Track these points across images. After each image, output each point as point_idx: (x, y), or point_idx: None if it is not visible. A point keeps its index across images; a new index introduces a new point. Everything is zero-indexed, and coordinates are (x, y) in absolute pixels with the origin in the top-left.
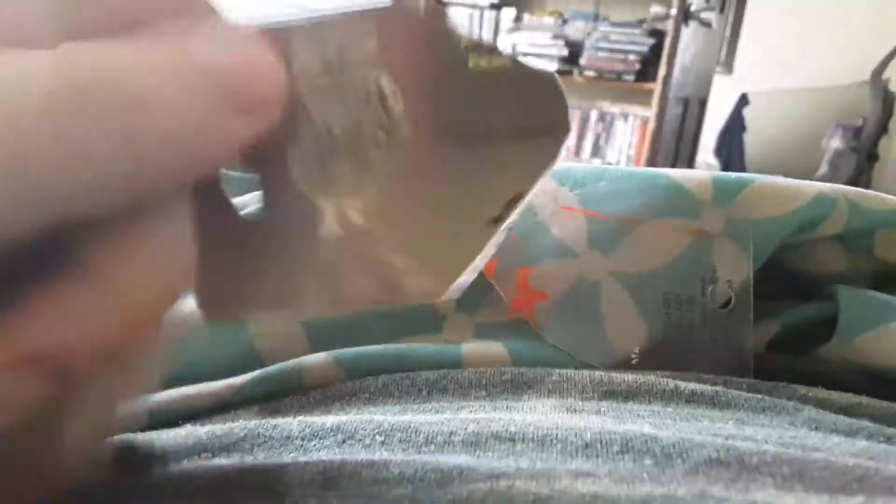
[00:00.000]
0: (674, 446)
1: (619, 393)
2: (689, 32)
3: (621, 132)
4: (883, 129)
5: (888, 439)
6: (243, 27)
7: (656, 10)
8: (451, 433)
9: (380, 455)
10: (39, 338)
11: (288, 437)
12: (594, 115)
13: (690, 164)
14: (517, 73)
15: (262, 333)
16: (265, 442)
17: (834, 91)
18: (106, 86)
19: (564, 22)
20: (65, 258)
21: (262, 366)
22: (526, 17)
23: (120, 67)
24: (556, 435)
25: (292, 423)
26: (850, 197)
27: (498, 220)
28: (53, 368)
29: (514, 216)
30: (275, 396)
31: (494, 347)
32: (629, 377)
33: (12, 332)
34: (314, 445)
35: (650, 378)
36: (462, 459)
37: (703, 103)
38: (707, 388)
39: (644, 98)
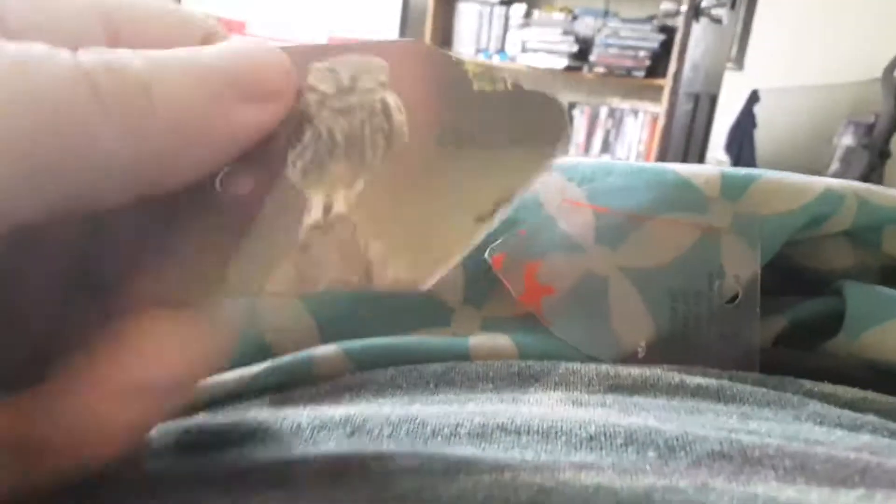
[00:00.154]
0: (677, 439)
1: (624, 386)
2: (699, 28)
3: (631, 129)
4: (895, 126)
5: (892, 434)
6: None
7: (666, 6)
8: (457, 425)
9: (387, 447)
10: (36, 424)
11: (297, 429)
12: (604, 111)
13: (700, 160)
14: (519, 95)
15: (272, 328)
16: (275, 433)
17: (845, 88)
18: (116, 76)
19: (574, 18)
20: (65, 355)
21: (273, 358)
22: (536, 13)
23: (130, 61)
24: (561, 427)
25: (302, 415)
26: (858, 193)
27: (483, 220)
28: (48, 452)
29: (499, 216)
30: (285, 387)
31: (502, 340)
32: (635, 371)
33: (9, 417)
34: (323, 437)
35: (656, 372)
36: (468, 451)
37: (713, 100)
38: (712, 381)
39: (654, 94)
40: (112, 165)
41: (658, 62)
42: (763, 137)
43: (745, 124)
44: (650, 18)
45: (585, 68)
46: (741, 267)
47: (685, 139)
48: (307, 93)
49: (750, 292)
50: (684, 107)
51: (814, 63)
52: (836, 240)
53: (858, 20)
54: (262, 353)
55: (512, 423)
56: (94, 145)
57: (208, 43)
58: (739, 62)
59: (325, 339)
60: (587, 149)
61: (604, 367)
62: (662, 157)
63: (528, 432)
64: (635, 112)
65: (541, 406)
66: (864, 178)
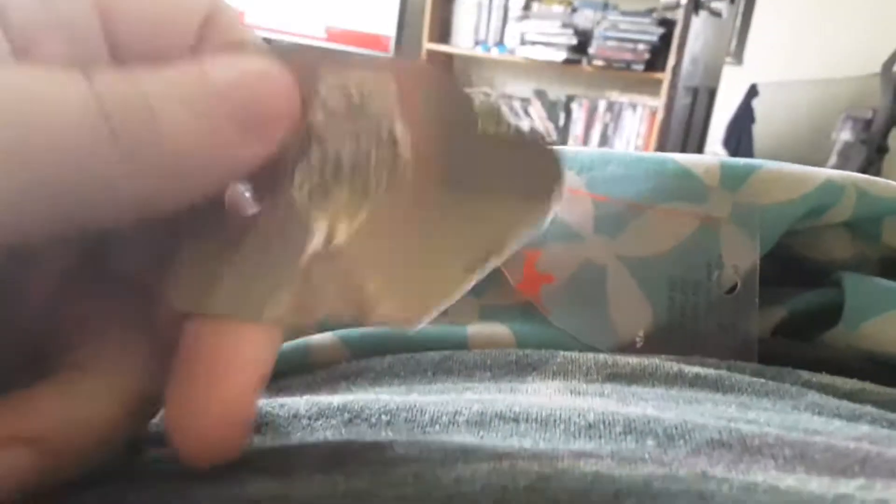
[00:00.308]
0: (676, 428)
1: (623, 376)
2: (699, 22)
3: (630, 122)
4: (893, 121)
5: (891, 424)
6: (266, 49)
7: None
8: (455, 413)
9: (385, 435)
10: (34, 420)
11: (295, 416)
12: (602, 104)
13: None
14: (521, 143)
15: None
16: (273, 421)
17: (844, 82)
18: (128, 105)
19: (573, 10)
20: (64, 354)
21: None
22: (535, 5)
23: (142, 90)
24: (560, 415)
25: (299, 402)
26: (858, 184)
27: (472, 270)
28: (38, 444)
29: (488, 267)
30: (281, 375)
31: (500, 329)
32: (633, 360)
33: (7, 417)
34: (321, 424)
35: (654, 361)
36: (466, 439)
37: (712, 94)
38: (711, 371)
39: (653, 88)
40: (115, 190)
41: (657, 55)
42: (761, 132)
43: (743, 118)
44: (649, 11)
45: (584, 61)
46: (740, 257)
47: (684, 133)
48: (317, 108)
49: (748, 282)
50: (683, 101)
51: (813, 58)
52: (835, 230)
53: (857, 15)
54: None
55: (510, 411)
56: (100, 170)
57: (210, 24)
58: (739, 56)
59: (323, 327)
60: (585, 142)
61: (602, 357)
62: (660, 150)
63: (527, 420)
64: (634, 105)
65: (539, 395)
66: (862, 173)
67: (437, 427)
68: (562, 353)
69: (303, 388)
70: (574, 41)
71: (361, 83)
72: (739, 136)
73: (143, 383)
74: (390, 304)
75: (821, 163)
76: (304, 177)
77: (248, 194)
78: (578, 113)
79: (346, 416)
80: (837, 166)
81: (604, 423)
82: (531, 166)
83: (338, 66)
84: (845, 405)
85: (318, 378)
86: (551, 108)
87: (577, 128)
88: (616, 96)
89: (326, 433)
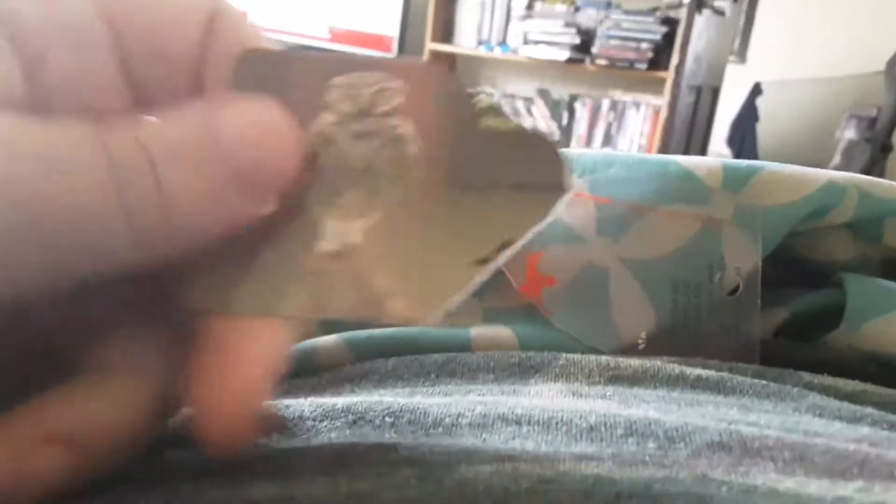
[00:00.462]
0: (677, 430)
1: (625, 378)
2: (702, 20)
3: (633, 121)
4: None
5: (891, 426)
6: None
7: None
8: (458, 415)
9: (389, 437)
10: (66, 420)
11: (300, 418)
12: (606, 103)
13: (702, 153)
14: (522, 138)
15: None
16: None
17: (848, 81)
18: (136, 166)
19: (576, 10)
20: (84, 355)
21: None
22: (538, 4)
23: (145, 146)
24: (562, 417)
25: (304, 404)
26: (860, 185)
27: (484, 262)
28: (70, 444)
29: (500, 261)
30: (287, 377)
31: (502, 331)
32: (635, 362)
33: (39, 417)
34: (325, 426)
35: (656, 363)
36: (469, 441)
37: (715, 92)
38: (712, 373)
39: (656, 87)
40: (114, 245)
41: (660, 54)
42: (765, 130)
43: (747, 117)
44: (653, 10)
45: (587, 60)
46: (742, 259)
47: (687, 132)
48: (326, 111)
49: (750, 284)
50: (686, 99)
51: (816, 56)
52: (837, 232)
53: (861, 13)
54: None
55: (513, 413)
56: (102, 228)
57: (214, 23)
58: (742, 55)
59: (327, 329)
60: (589, 141)
61: (604, 359)
62: (664, 150)
63: (529, 422)
64: (637, 104)
65: (541, 397)
66: (866, 171)
67: (441, 429)
68: (564, 355)
69: (307, 389)
70: (577, 40)
71: (368, 84)
72: (743, 135)
73: (164, 384)
74: (404, 301)
75: (825, 161)
76: (314, 179)
77: None
78: (582, 112)
79: (350, 417)
80: (841, 165)
81: (605, 425)
82: (535, 159)
83: (345, 68)
84: (846, 407)
85: (323, 380)
86: (554, 108)
87: (580, 127)
88: (619, 95)
89: (331, 435)
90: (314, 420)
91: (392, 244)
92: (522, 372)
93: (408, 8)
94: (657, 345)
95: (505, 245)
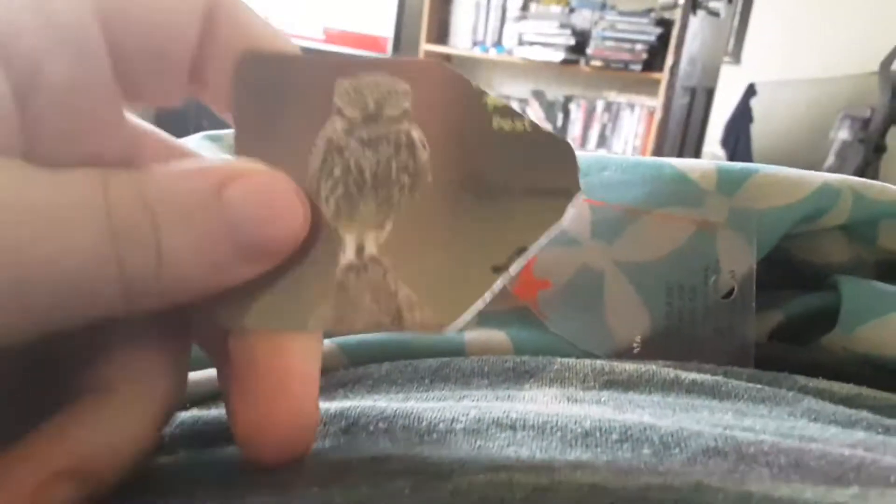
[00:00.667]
0: (672, 435)
1: (619, 382)
2: (696, 22)
3: (627, 122)
4: (891, 120)
5: (886, 430)
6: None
7: None
8: (453, 420)
9: (382, 443)
10: (75, 452)
11: None
12: (600, 104)
13: (697, 154)
14: (535, 137)
15: None
16: None
17: (842, 82)
18: (132, 227)
19: (571, 11)
20: (86, 373)
21: None
22: (533, 5)
23: (149, 206)
24: (556, 423)
25: None
26: (854, 187)
27: (500, 269)
28: (81, 476)
29: (515, 267)
30: None
31: (497, 336)
32: (630, 367)
33: (48, 453)
34: (319, 432)
35: (651, 368)
36: (463, 449)
37: (710, 93)
38: (707, 377)
39: (651, 88)
40: (104, 300)
41: (655, 56)
42: (759, 131)
43: (741, 118)
44: (647, 11)
45: (582, 61)
46: (737, 262)
47: (682, 133)
48: (335, 117)
49: (745, 287)
50: (681, 100)
51: (810, 57)
52: (832, 234)
53: (855, 14)
54: None
55: (507, 418)
56: (95, 286)
57: (212, 17)
58: (736, 56)
59: (323, 334)
60: (583, 143)
61: (599, 363)
62: (659, 151)
63: (524, 428)
64: (632, 106)
65: (536, 402)
66: (860, 172)
67: (435, 435)
68: (559, 359)
69: None
70: (572, 41)
71: (375, 88)
72: (738, 136)
73: (170, 397)
74: (425, 311)
75: (818, 162)
76: (329, 190)
77: None
78: (576, 113)
79: (344, 423)
80: (835, 166)
81: (600, 430)
82: (547, 161)
83: (351, 71)
84: (841, 411)
85: None
86: (549, 109)
87: (575, 128)
88: (614, 96)
89: (325, 441)
90: None
91: (409, 254)
92: (517, 377)
93: (402, 9)
94: (652, 348)
95: (520, 251)
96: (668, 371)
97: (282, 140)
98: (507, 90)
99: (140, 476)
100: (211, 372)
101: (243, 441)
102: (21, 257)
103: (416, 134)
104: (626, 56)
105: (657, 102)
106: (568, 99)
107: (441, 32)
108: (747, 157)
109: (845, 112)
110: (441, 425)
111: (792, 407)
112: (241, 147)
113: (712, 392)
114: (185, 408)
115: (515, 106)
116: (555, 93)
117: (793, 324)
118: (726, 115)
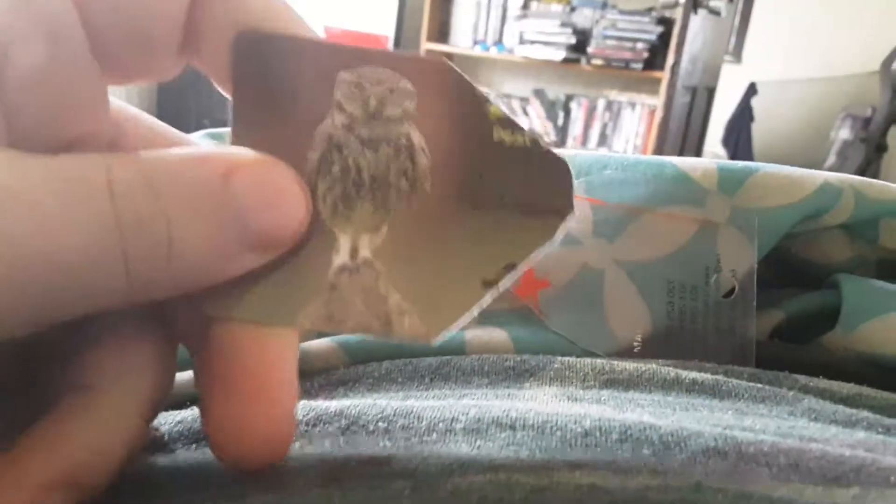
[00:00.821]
0: (672, 435)
1: (620, 381)
2: (697, 21)
3: (628, 121)
4: (892, 119)
5: (886, 430)
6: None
7: None
8: (452, 419)
9: (382, 443)
10: (58, 464)
11: None
12: (601, 103)
13: (698, 153)
14: (534, 154)
15: None
16: None
17: (843, 81)
18: (141, 222)
19: (572, 9)
20: (62, 386)
21: None
22: (534, 4)
23: (158, 197)
24: (556, 422)
25: (296, 408)
26: (855, 186)
27: (489, 284)
28: (74, 484)
29: (505, 283)
30: None
31: (497, 334)
32: (630, 366)
33: (39, 463)
34: (318, 431)
35: (651, 367)
36: (462, 449)
37: (711, 92)
38: (708, 377)
39: (652, 87)
40: (108, 292)
41: (656, 54)
42: (760, 130)
43: (742, 117)
44: (648, 10)
45: (583, 60)
46: (738, 261)
47: (682, 132)
48: (335, 111)
49: (746, 286)
50: (682, 99)
51: (812, 56)
52: (833, 233)
53: (856, 13)
54: None
55: (507, 417)
56: (103, 284)
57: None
58: (738, 55)
59: (322, 332)
60: (584, 141)
61: (599, 362)
62: (659, 150)
63: (524, 427)
64: (633, 104)
65: (536, 401)
66: (861, 171)
67: (435, 435)
68: (559, 358)
69: (300, 393)
70: (573, 40)
71: (377, 83)
72: (738, 135)
73: (156, 390)
74: (414, 319)
75: (819, 161)
76: (327, 188)
77: None
78: (577, 112)
79: (344, 422)
80: (836, 165)
81: (600, 430)
82: (543, 177)
83: (354, 63)
84: (842, 410)
85: (316, 384)
86: (550, 108)
87: (575, 127)
88: (615, 95)
89: (324, 441)
90: (307, 425)
91: (403, 260)
92: (517, 375)
93: (403, 7)
94: (653, 347)
95: (510, 266)
96: (669, 370)
97: (280, 128)
98: (508, 89)
99: (139, 476)
100: None
101: (217, 441)
102: (18, 251)
103: (417, 139)
104: (627, 55)
105: (658, 101)
106: (569, 98)
107: (442, 31)
108: (748, 157)
109: (846, 111)
110: (441, 424)
111: (792, 406)
112: (239, 133)
113: (713, 391)
114: (185, 406)
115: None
116: (556, 91)
117: (794, 323)
118: (727, 114)
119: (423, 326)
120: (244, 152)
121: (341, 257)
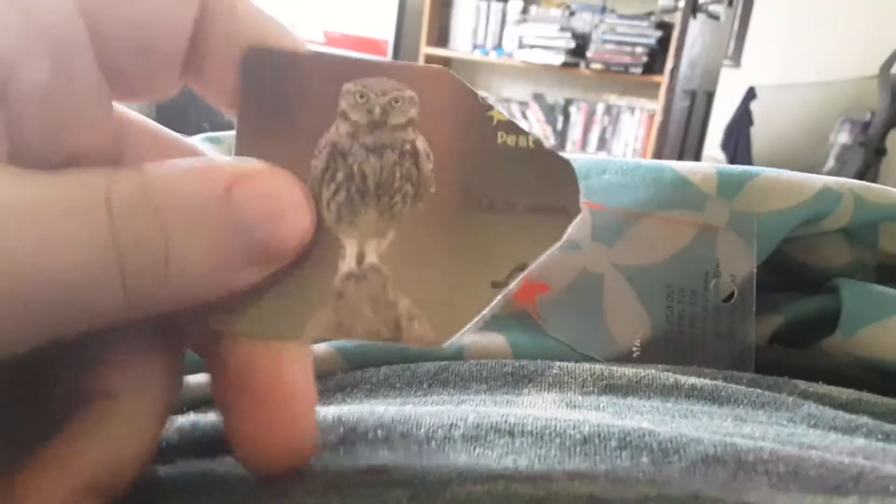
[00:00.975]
0: (671, 442)
1: (619, 387)
2: (696, 25)
3: (628, 125)
4: (891, 123)
5: (886, 437)
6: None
7: (664, 2)
8: (451, 426)
9: (381, 452)
10: (88, 468)
11: None
12: (601, 107)
13: (697, 157)
14: (538, 155)
15: None
16: None
17: (842, 85)
18: (139, 239)
19: (571, 14)
20: (76, 395)
21: None
22: (533, 8)
23: (157, 213)
24: (555, 428)
25: None
26: (855, 190)
27: (499, 286)
28: (103, 488)
29: (514, 284)
30: None
31: (496, 339)
32: (629, 371)
33: (67, 469)
34: (317, 440)
35: (650, 372)
36: (461, 457)
37: (710, 97)
38: (707, 382)
39: (651, 91)
40: (106, 308)
41: (655, 59)
42: (759, 135)
43: (741, 121)
44: (648, 15)
45: (582, 64)
46: (737, 265)
47: (682, 136)
48: (339, 120)
49: (745, 291)
50: (681, 104)
51: (811, 60)
52: (832, 237)
53: (855, 18)
54: None
55: (506, 423)
56: (101, 301)
57: (206, 12)
58: (736, 59)
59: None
60: (583, 146)
61: (598, 368)
62: (659, 154)
63: (522, 433)
64: (632, 109)
65: (534, 407)
66: (860, 175)
67: (434, 443)
68: (558, 363)
69: None
70: (572, 44)
71: (381, 92)
72: (738, 139)
73: (170, 400)
74: (424, 324)
75: (818, 165)
76: (331, 195)
77: None
78: (577, 116)
79: (342, 430)
80: (835, 169)
81: (599, 437)
82: (550, 179)
83: (358, 74)
84: (841, 416)
85: None
86: (549, 112)
87: (575, 131)
88: (614, 100)
89: (323, 450)
90: None
91: (410, 266)
92: (516, 381)
93: (403, 12)
94: (652, 352)
95: (519, 268)
96: (668, 376)
97: (285, 139)
98: (508, 93)
99: (141, 487)
100: (208, 375)
101: (243, 454)
102: (18, 267)
103: (421, 144)
104: (627, 59)
105: (657, 105)
106: (568, 102)
107: (441, 35)
108: (747, 161)
109: (845, 115)
110: (439, 431)
111: (792, 412)
112: (243, 144)
113: (712, 397)
114: (182, 411)
115: (516, 109)
116: (555, 96)
117: (793, 327)
118: (726, 118)
119: (433, 331)
120: (247, 162)
121: (347, 264)
